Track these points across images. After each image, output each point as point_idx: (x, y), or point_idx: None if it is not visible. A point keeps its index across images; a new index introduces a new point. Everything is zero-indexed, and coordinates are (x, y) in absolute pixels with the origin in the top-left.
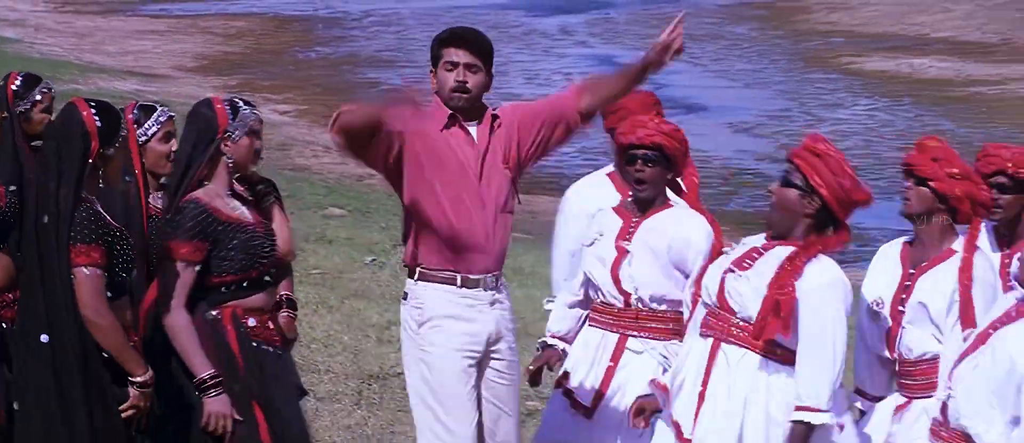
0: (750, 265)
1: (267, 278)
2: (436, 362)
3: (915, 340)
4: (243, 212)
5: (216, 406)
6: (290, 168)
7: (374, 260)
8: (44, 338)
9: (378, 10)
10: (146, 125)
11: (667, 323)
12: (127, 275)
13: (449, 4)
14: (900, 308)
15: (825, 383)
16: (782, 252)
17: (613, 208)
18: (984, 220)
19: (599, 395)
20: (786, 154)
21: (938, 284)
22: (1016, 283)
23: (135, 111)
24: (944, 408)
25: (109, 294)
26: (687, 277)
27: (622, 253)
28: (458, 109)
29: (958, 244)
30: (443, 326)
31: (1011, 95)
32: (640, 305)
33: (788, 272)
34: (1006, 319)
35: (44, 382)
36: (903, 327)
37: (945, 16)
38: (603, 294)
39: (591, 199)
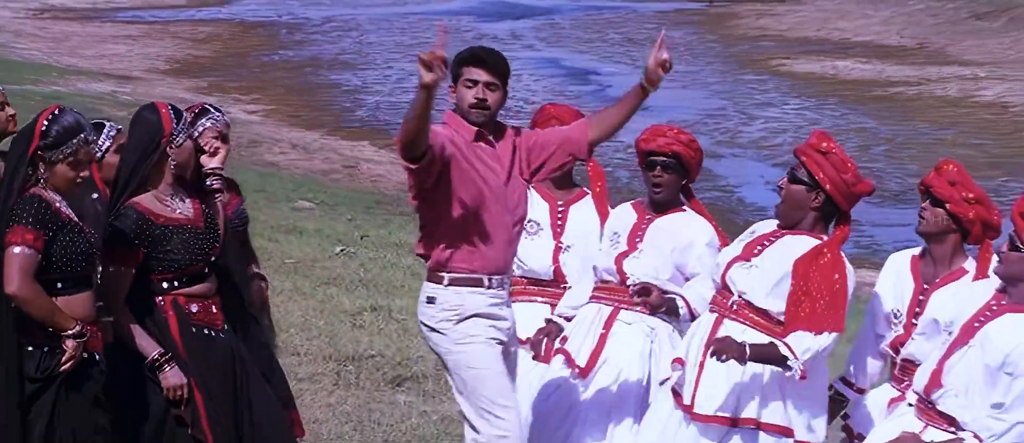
0: (759, 252)
1: (206, 270)
2: (479, 353)
3: (923, 349)
4: (185, 210)
5: (172, 379)
6: (260, 164)
7: (343, 250)
8: None
9: (337, 16)
10: (99, 141)
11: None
12: (82, 268)
13: (404, 11)
14: (913, 320)
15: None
16: (792, 242)
17: (632, 204)
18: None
19: (593, 358)
20: (793, 151)
21: (950, 302)
22: (996, 277)
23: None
24: (930, 388)
25: (60, 285)
26: (686, 278)
27: (632, 247)
28: (479, 124)
29: (970, 264)
30: (480, 321)
31: (928, 94)
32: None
33: (829, 264)
34: (990, 313)
35: None
36: (913, 337)
37: (865, 22)
38: (604, 275)
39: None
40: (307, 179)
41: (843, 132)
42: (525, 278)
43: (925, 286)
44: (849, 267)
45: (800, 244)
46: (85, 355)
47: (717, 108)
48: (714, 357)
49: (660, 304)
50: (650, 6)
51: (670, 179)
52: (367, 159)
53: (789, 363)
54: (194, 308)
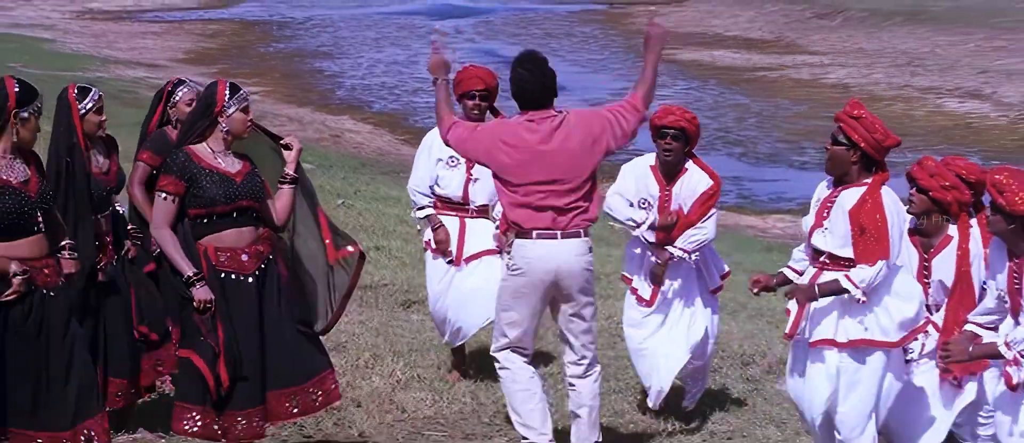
0: (827, 216)
1: (235, 215)
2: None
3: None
4: (230, 165)
5: (201, 294)
6: None
7: (343, 202)
8: None
9: (316, 16)
10: (84, 102)
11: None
12: (16, 220)
13: (371, 11)
14: (925, 280)
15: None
16: (845, 198)
17: (650, 166)
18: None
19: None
20: (834, 117)
21: (946, 263)
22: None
23: (76, 90)
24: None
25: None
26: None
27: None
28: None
29: (953, 230)
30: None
31: (785, 78)
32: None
33: (871, 207)
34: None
35: None
36: (931, 294)
37: (734, 20)
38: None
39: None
40: (305, 145)
41: (721, 107)
42: (441, 200)
43: (925, 255)
44: (890, 205)
45: (850, 197)
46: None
47: (622, 88)
48: (789, 299)
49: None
50: (564, 8)
51: (677, 147)
52: (348, 130)
53: (851, 292)
54: (223, 257)
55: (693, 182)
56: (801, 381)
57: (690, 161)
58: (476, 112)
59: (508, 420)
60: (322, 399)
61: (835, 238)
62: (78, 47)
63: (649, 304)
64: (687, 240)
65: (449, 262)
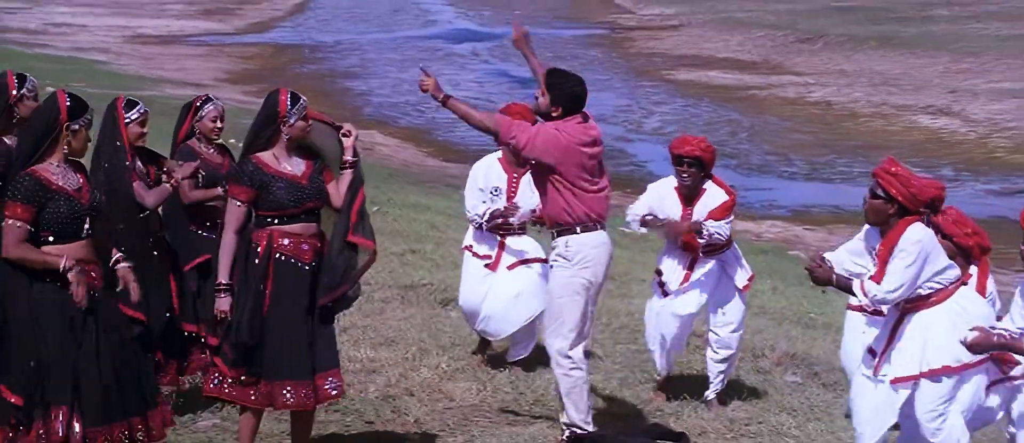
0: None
1: (302, 216)
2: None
3: None
4: (295, 168)
5: (222, 305)
6: None
7: (378, 209)
8: None
9: (345, 40)
10: (130, 113)
11: (721, 248)
12: (69, 226)
13: (395, 35)
14: None
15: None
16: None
17: (674, 187)
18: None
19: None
20: (871, 173)
21: None
22: None
23: (124, 102)
24: None
25: (50, 239)
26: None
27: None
28: None
29: (972, 270)
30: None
31: (773, 96)
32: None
33: (896, 247)
34: None
35: None
36: None
37: (724, 44)
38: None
39: None
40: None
41: (715, 123)
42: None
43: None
44: (911, 243)
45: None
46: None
47: (624, 105)
48: (810, 274)
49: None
50: (569, 32)
51: (694, 173)
52: (378, 143)
53: (858, 296)
54: (285, 242)
55: (712, 200)
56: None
57: (709, 182)
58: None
59: (545, 408)
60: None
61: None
62: (130, 68)
63: (672, 294)
64: (705, 226)
65: (486, 265)
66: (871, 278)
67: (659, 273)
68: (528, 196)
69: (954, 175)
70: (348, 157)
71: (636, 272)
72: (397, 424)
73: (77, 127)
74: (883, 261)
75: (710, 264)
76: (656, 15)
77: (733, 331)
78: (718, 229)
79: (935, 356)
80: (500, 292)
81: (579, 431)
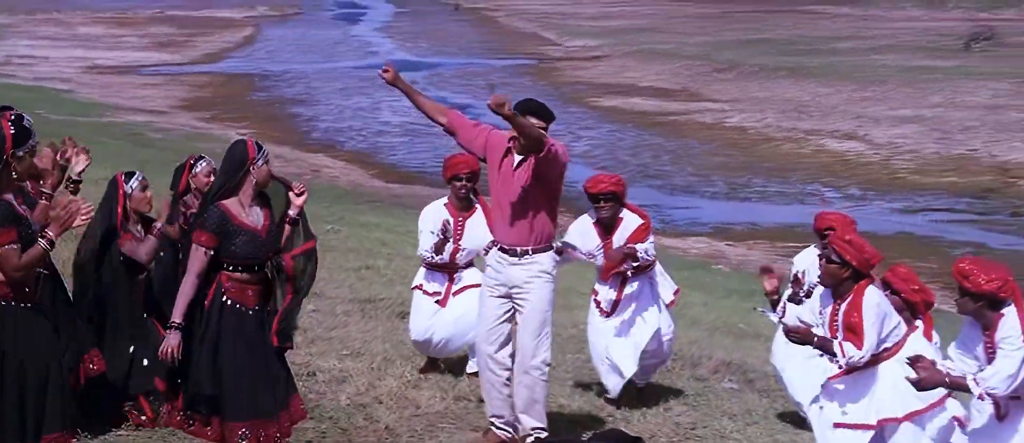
0: (838, 331)
1: (256, 268)
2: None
3: None
4: (256, 220)
5: (170, 341)
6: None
7: (331, 228)
8: None
9: (292, 69)
10: (130, 183)
11: (648, 267)
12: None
13: (337, 65)
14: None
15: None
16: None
17: (592, 223)
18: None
19: (614, 304)
20: (827, 241)
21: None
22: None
23: (124, 175)
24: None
25: None
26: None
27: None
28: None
29: (918, 323)
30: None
31: (693, 121)
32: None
33: (857, 310)
34: None
35: None
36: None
37: (644, 73)
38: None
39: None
40: (289, 176)
41: (640, 147)
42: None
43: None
44: (872, 307)
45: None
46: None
47: (554, 130)
48: (789, 337)
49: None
50: (500, 62)
51: (610, 206)
52: (325, 165)
53: (838, 357)
54: (230, 285)
55: (630, 225)
56: None
57: (624, 210)
58: (463, 192)
59: None
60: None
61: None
62: (90, 95)
63: (609, 314)
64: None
65: (436, 302)
66: (843, 342)
67: (595, 293)
68: (473, 236)
69: (861, 194)
70: (292, 213)
71: (577, 285)
72: (370, 431)
73: (21, 154)
74: (845, 324)
75: (638, 283)
76: (580, 47)
77: (664, 341)
78: (646, 249)
79: (889, 406)
80: (448, 316)
81: (544, 436)
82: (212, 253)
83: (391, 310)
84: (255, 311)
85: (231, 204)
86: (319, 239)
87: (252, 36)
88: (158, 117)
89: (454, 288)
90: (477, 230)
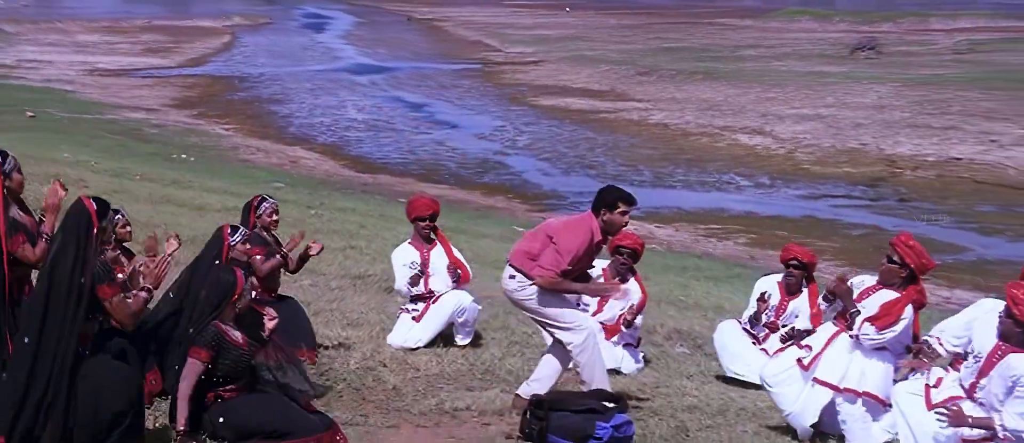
0: (865, 297)
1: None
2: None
3: None
4: (238, 336)
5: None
6: (240, 161)
7: (315, 212)
8: None
9: (267, 73)
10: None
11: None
12: None
13: (306, 68)
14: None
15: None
16: (883, 293)
17: (603, 269)
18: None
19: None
20: (890, 242)
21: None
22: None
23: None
24: None
25: None
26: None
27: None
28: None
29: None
30: None
31: (621, 118)
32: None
33: (896, 305)
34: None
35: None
36: None
37: (577, 76)
38: None
39: None
40: (272, 170)
41: (576, 140)
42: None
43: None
44: (904, 322)
45: (885, 295)
46: None
47: (500, 126)
48: (827, 296)
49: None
50: (450, 67)
51: (627, 262)
52: (302, 157)
53: (855, 326)
54: (230, 389)
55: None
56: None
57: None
58: (426, 230)
59: (495, 377)
60: None
61: (865, 312)
62: (91, 95)
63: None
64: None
65: (413, 318)
66: (868, 319)
67: None
68: (438, 266)
69: (770, 183)
70: (265, 334)
71: None
72: (379, 390)
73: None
74: (881, 309)
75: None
76: (519, 53)
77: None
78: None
79: (857, 378)
80: (423, 325)
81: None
82: (205, 366)
83: (379, 285)
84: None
85: (222, 324)
86: (306, 222)
87: (230, 43)
88: (153, 115)
89: (432, 305)
90: (440, 259)
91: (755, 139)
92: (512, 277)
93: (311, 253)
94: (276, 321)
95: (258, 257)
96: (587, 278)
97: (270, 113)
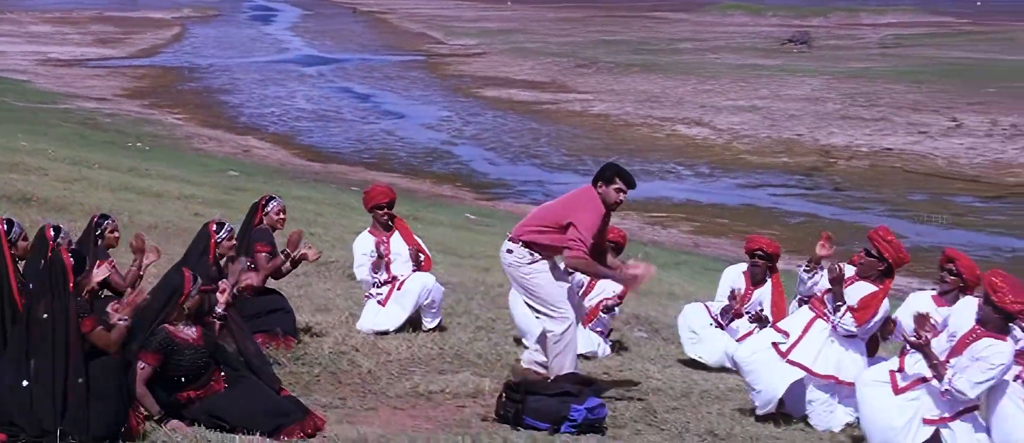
0: (847, 286)
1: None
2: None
3: None
4: (191, 334)
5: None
6: (195, 150)
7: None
8: None
9: (216, 64)
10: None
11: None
12: None
13: (254, 60)
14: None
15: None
16: (861, 285)
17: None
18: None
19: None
20: (868, 235)
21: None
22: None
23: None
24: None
25: None
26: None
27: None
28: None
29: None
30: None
31: (563, 110)
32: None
33: (875, 298)
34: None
35: None
36: None
37: (519, 68)
38: None
39: None
40: (226, 159)
41: (521, 131)
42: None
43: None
44: (883, 312)
45: (863, 288)
46: None
47: (446, 116)
48: (831, 274)
49: None
50: (395, 58)
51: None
52: (254, 146)
53: (836, 315)
54: (199, 391)
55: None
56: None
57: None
58: (385, 218)
59: (464, 361)
60: None
61: (848, 299)
62: (46, 85)
63: None
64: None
65: (378, 302)
66: (848, 310)
67: None
68: (398, 250)
69: (709, 172)
70: (218, 310)
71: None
72: (354, 374)
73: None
74: (860, 301)
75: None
76: (463, 45)
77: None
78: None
79: (832, 365)
80: (388, 310)
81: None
82: (152, 370)
83: (342, 271)
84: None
85: (170, 326)
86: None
87: (180, 34)
88: (106, 104)
89: (396, 290)
90: (400, 245)
91: (694, 130)
92: (509, 251)
93: (309, 259)
94: (227, 293)
95: (263, 254)
96: (602, 257)
97: (221, 103)
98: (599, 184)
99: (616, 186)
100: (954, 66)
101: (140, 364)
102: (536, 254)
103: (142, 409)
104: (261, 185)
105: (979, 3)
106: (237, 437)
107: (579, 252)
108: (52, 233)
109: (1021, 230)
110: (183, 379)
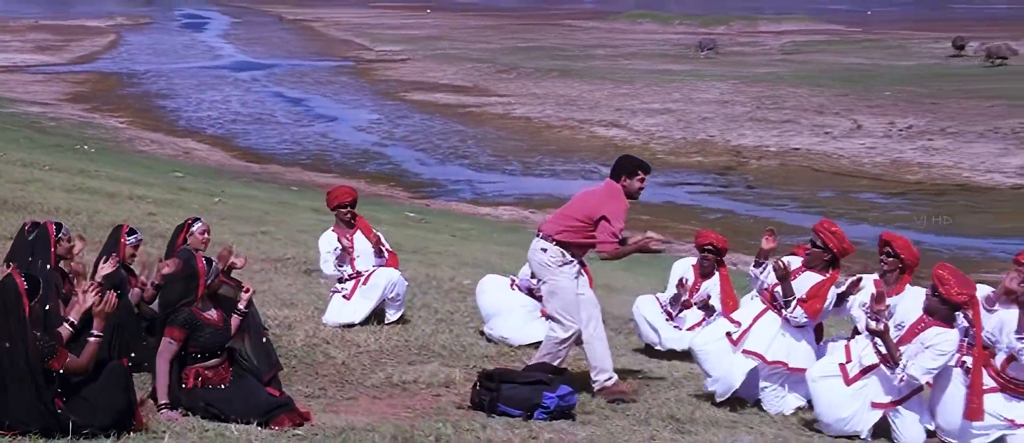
0: (792, 280)
1: (220, 353)
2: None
3: None
4: (212, 315)
5: (167, 416)
6: (138, 153)
7: (219, 200)
8: None
9: (153, 69)
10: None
11: None
12: None
13: (189, 66)
14: None
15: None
16: (807, 276)
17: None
18: None
19: None
20: (813, 228)
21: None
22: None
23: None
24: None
25: None
26: None
27: None
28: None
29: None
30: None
31: (487, 112)
32: None
33: (822, 287)
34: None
35: None
36: None
37: (443, 73)
38: None
39: None
40: (169, 160)
41: (448, 133)
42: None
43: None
44: (831, 294)
45: (811, 278)
46: None
47: (376, 119)
48: (777, 271)
49: None
50: (325, 64)
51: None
52: (194, 148)
53: (788, 309)
54: (209, 374)
55: None
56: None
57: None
58: (348, 216)
59: (430, 352)
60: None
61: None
62: None
63: None
64: None
65: (343, 297)
66: (799, 303)
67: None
68: (362, 248)
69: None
70: (241, 306)
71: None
72: (329, 365)
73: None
74: (811, 294)
75: None
76: (388, 51)
77: None
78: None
79: (783, 352)
80: (353, 303)
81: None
82: (178, 345)
83: (298, 267)
84: (225, 387)
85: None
86: (213, 210)
87: (116, 41)
88: (49, 108)
89: (361, 284)
90: (362, 242)
91: (612, 131)
92: (544, 250)
93: (237, 266)
94: (251, 293)
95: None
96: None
97: (159, 107)
98: (622, 178)
99: (639, 177)
100: (852, 71)
101: (166, 340)
102: (568, 255)
103: (148, 391)
104: (205, 185)
105: (869, 13)
106: (232, 426)
107: (612, 245)
108: (53, 229)
109: (921, 224)
110: (198, 355)
